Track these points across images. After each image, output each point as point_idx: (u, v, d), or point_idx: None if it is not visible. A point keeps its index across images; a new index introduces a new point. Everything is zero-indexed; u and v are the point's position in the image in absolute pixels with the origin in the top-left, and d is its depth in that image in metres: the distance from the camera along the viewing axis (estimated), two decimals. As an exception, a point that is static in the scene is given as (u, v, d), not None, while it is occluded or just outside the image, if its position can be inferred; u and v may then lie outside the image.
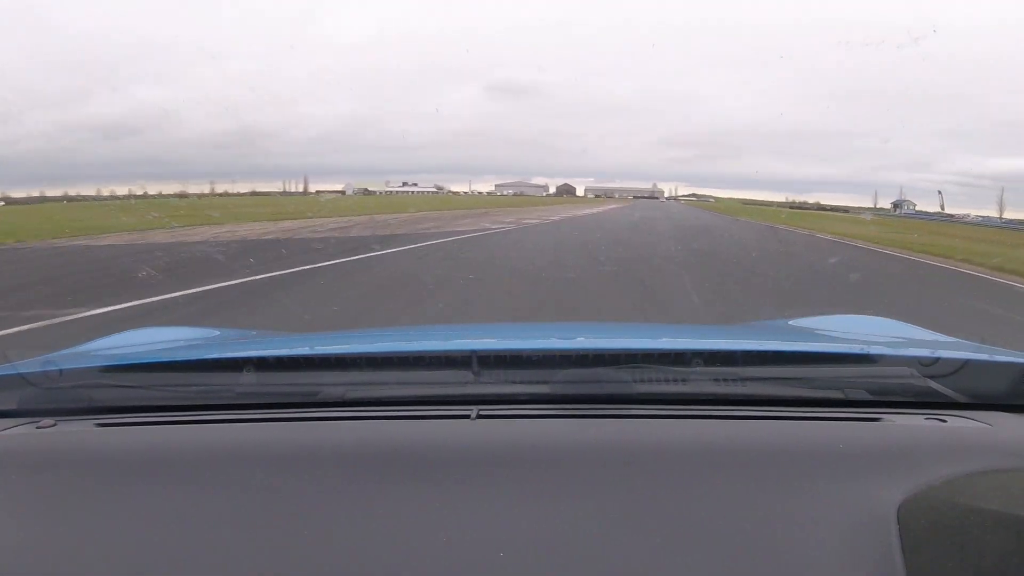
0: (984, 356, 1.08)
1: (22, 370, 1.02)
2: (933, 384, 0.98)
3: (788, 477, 0.74)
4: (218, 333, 1.75)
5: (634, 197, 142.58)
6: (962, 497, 0.67)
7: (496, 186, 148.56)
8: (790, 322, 1.94)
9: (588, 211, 45.41)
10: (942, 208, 74.50)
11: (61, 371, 1.01)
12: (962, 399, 0.96)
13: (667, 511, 0.69)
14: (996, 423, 0.89)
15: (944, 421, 0.90)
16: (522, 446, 0.82)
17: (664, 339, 1.51)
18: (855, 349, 1.16)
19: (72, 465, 0.81)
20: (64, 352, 1.36)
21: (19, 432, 0.91)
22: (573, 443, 0.83)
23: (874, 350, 1.11)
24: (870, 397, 0.97)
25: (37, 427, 0.91)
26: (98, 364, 1.11)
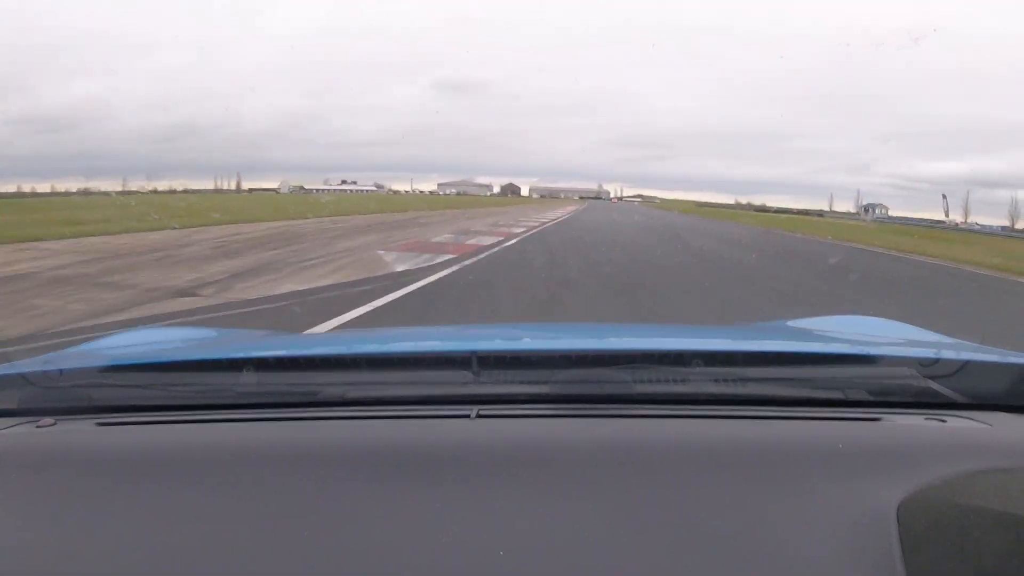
0: (984, 356, 1.07)
1: (22, 369, 1.02)
2: (933, 384, 0.97)
3: (788, 477, 0.74)
4: (218, 333, 1.75)
5: (581, 197, 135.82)
6: (962, 497, 0.67)
7: (439, 185, 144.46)
8: (790, 323, 1.93)
9: (554, 215, 36.61)
10: (947, 214, 66.38)
11: (61, 371, 1.01)
12: (962, 399, 0.96)
13: (667, 511, 0.69)
14: (996, 423, 0.89)
15: (944, 421, 0.89)
16: (522, 446, 0.81)
17: (664, 339, 1.51)
18: (855, 349, 1.16)
19: (72, 465, 0.80)
20: (64, 352, 1.38)
21: (19, 431, 0.90)
22: (573, 443, 0.82)
23: (874, 350, 1.11)
24: (870, 397, 0.96)
25: (37, 426, 0.91)
26: (98, 364, 1.10)
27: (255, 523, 0.68)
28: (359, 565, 0.63)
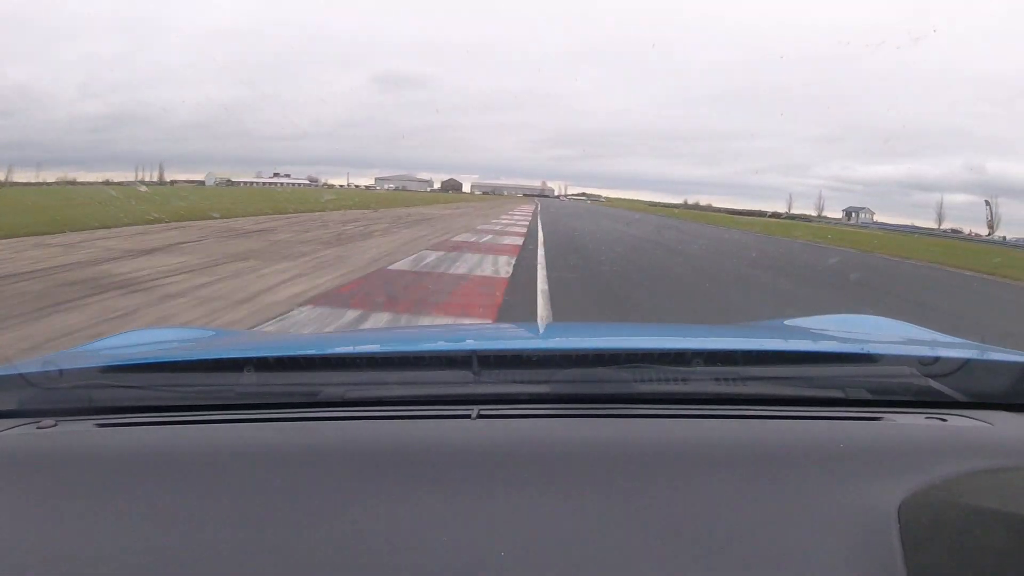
0: (984, 355, 1.06)
1: (22, 370, 1.01)
2: (933, 383, 0.96)
3: (788, 476, 0.74)
4: (218, 333, 1.75)
5: (525, 195, 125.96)
6: (963, 496, 0.67)
7: (376, 179, 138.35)
8: (790, 322, 1.90)
9: (514, 220, 25.19)
10: (991, 225, 55.91)
11: (61, 371, 1.00)
12: (963, 398, 0.95)
13: (668, 511, 0.68)
14: (997, 422, 0.88)
15: (945, 420, 0.89)
16: (522, 446, 0.81)
17: (665, 339, 1.49)
18: (855, 348, 1.13)
19: (72, 465, 0.80)
20: (64, 352, 1.40)
21: (19, 432, 0.90)
22: (574, 443, 0.82)
23: (874, 349, 1.09)
24: (870, 396, 0.95)
25: (37, 427, 0.90)
26: (98, 364, 1.09)
27: (256, 524, 0.68)
28: (360, 565, 0.62)
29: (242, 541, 0.65)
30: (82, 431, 0.89)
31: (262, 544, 0.64)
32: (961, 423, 0.88)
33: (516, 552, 0.62)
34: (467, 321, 5.56)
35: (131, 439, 0.86)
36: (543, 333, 1.58)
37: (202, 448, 0.82)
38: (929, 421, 0.88)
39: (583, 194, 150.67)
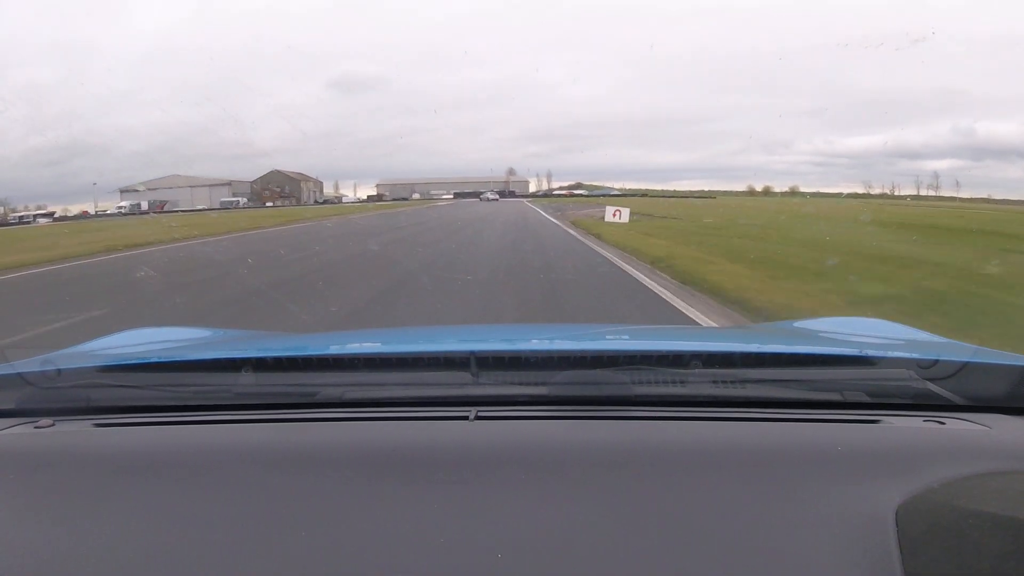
0: (983, 358, 1.06)
1: (21, 370, 1.00)
2: (932, 386, 0.96)
3: (786, 479, 0.74)
4: (217, 333, 1.73)
5: (455, 194, 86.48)
6: (960, 499, 0.67)
7: (122, 192, 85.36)
8: (789, 324, 1.88)
9: None
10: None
11: (59, 371, 1.00)
12: (960, 401, 0.95)
13: (665, 513, 0.69)
14: (994, 425, 0.88)
15: (943, 423, 0.89)
16: (520, 447, 0.81)
17: (663, 341, 1.47)
18: (853, 351, 1.14)
19: (70, 465, 0.80)
20: (62, 352, 1.35)
21: (17, 432, 0.90)
22: (571, 445, 0.82)
23: (872, 352, 1.09)
24: (868, 399, 0.95)
25: (35, 427, 0.90)
26: (96, 364, 1.09)
27: (253, 524, 0.68)
28: (357, 565, 0.63)
29: (239, 541, 0.65)
30: (79, 431, 0.89)
31: (259, 544, 0.65)
32: (959, 426, 0.87)
33: (513, 553, 0.62)
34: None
35: (128, 439, 0.87)
36: (542, 335, 1.60)
37: (200, 448, 0.82)
38: (927, 424, 0.88)
39: (578, 184, 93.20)
